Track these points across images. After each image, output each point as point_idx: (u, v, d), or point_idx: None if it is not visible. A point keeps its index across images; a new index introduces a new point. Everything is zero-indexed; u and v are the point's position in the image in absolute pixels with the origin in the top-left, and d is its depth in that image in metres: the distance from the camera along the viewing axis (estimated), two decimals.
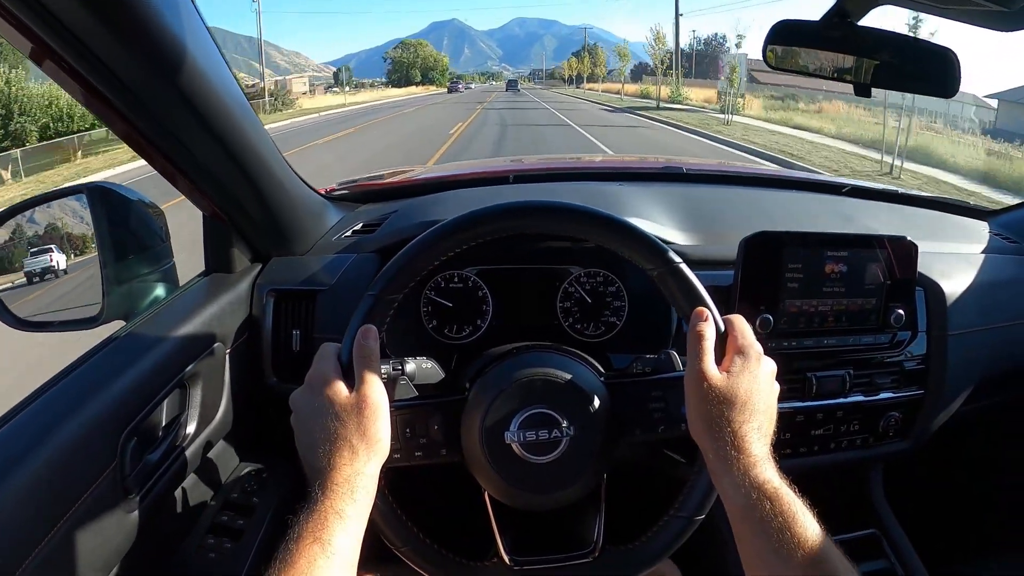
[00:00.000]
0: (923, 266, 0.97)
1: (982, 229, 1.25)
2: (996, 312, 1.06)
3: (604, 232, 0.68)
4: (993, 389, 1.10)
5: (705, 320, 0.64)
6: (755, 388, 0.61)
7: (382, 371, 0.66)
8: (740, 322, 0.65)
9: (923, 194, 1.39)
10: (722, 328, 0.65)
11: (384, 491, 0.64)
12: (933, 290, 1.02)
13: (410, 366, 0.74)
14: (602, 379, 0.73)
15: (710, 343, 0.63)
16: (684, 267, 0.67)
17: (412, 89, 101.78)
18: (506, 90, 69.86)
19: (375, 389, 0.62)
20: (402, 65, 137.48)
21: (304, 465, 0.61)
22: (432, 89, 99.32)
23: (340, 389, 0.61)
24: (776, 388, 0.64)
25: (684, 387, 0.63)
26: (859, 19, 0.91)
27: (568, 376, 0.70)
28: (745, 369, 0.61)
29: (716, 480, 0.60)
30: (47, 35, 0.57)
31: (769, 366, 0.64)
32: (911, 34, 0.94)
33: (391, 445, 0.63)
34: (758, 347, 0.64)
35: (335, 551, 0.52)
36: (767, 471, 0.57)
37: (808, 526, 0.53)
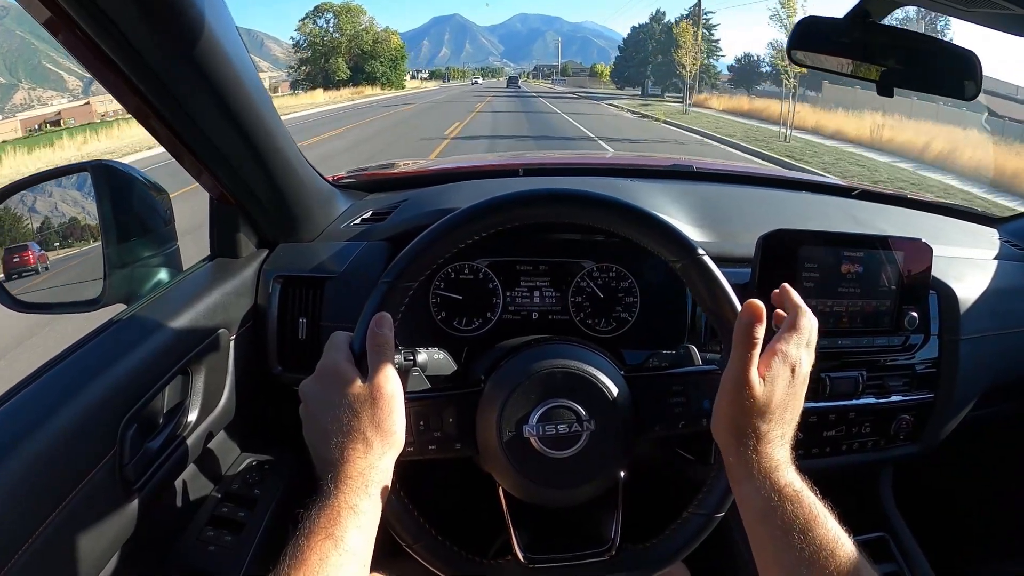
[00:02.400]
0: (936, 270, 0.97)
1: (991, 235, 1.25)
2: (1008, 318, 1.06)
3: (628, 222, 0.67)
4: (1004, 395, 1.10)
5: (760, 322, 0.58)
6: (790, 398, 0.59)
7: (394, 361, 0.64)
8: (802, 321, 0.62)
9: (932, 199, 1.39)
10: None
11: (395, 485, 0.62)
12: (946, 294, 1.02)
13: (422, 357, 0.72)
14: (622, 373, 0.71)
15: (758, 350, 0.59)
16: (708, 259, 0.66)
17: (317, 97, 46.29)
18: (507, 87, 66.78)
19: (390, 380, 0.60)
20: (317, 51, 63.84)
21: (313, 457, 0.59)
22: (361, 95, 46.01)
23: (353, 379, 0.59)
24: (803, 397, 0.62)
25: (720, 384, 0.60)
26: (881, 19, 0.91)
27: (590, 369, 0.68)
28: (782, 376, 0.59)
29: (735, 482, 0.59)
30: (67, 3, 0.55)
31: (802, 377, 0.61)
32: (933, 35, 0.93)
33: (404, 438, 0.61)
34: (798, 356, 0.60)
35: (348, 548, 0.50)
36: (788, 474, 0.56)
37: (831, 528, 0.52)
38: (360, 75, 59.21)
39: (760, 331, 0.59)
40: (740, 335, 0.59)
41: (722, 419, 0.60)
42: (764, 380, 0.59)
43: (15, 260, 0.84)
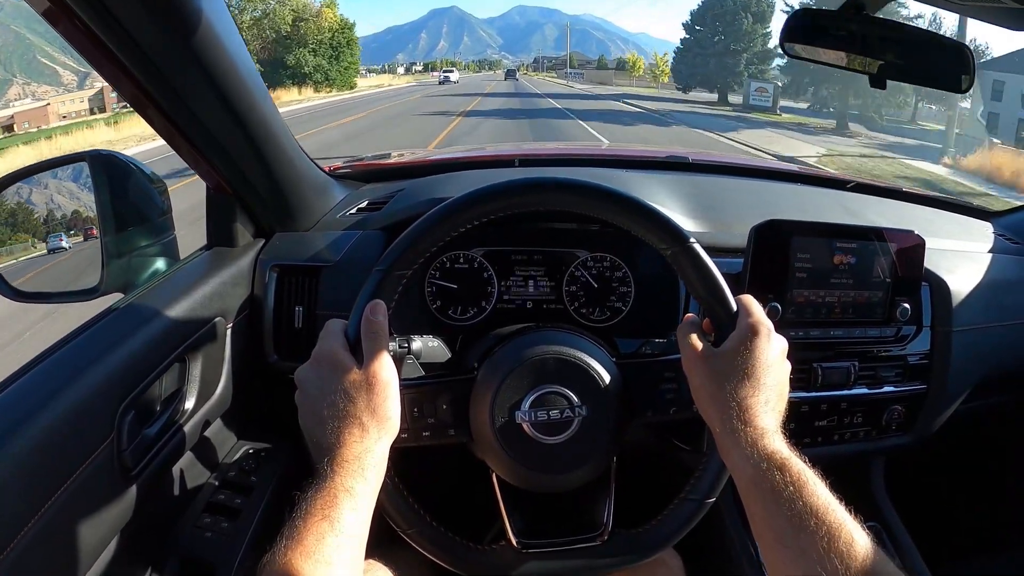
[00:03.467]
0: (929, 262, 0.98)
1: (985, 229, 1.26)
2: (1000, 311, 1.06)
3: (620, 211, 0.67)
4: (996, 388, 1.10)
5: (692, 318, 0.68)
6: (760, 362, 0.60)
7: (388, 348, 0.65)
8: (750, 300, 0.65)
9: (927, 192, 1.39)
10: (734, 308, 0.65)
11: (390, 472, 0.62)
12: (939, 286, 1.02)
13: (416, 344, 0.73)
14: (614, 360, 0.72)
15: (695, 326, 0.66)
16: (698, 247, 0.66)
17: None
18: (504, 79, 66.35)
19: (385, 366, 0.60)
20: None
21: (309, 443, 0.59)
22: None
23: (349, 365, 0.59)
24: (787, 366, 0.64)
25: (684, 362, 0.65)
26: (875, 12, 0.91)
27: (581, 355, 0.69)
28: (750, 344, 0.61)
29: (725, 454, 0.60)
30: None
31: (780, 344, 0.64)
32: (927, 28, 0.93)
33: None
34: (768, 324, 0.63)
35: (344, 530, 0.51)
36: (775, 442, 0.57)
37: (820, 494, 0.52)
38: (282, 72, 36.32)
39: (692, 316, 0.68)
40: (679, 329, 0.67)
41: (699, 392, 0.63)
42: (726, 349, 0.62)
43: (89, 235, 0.95)
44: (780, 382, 0.62)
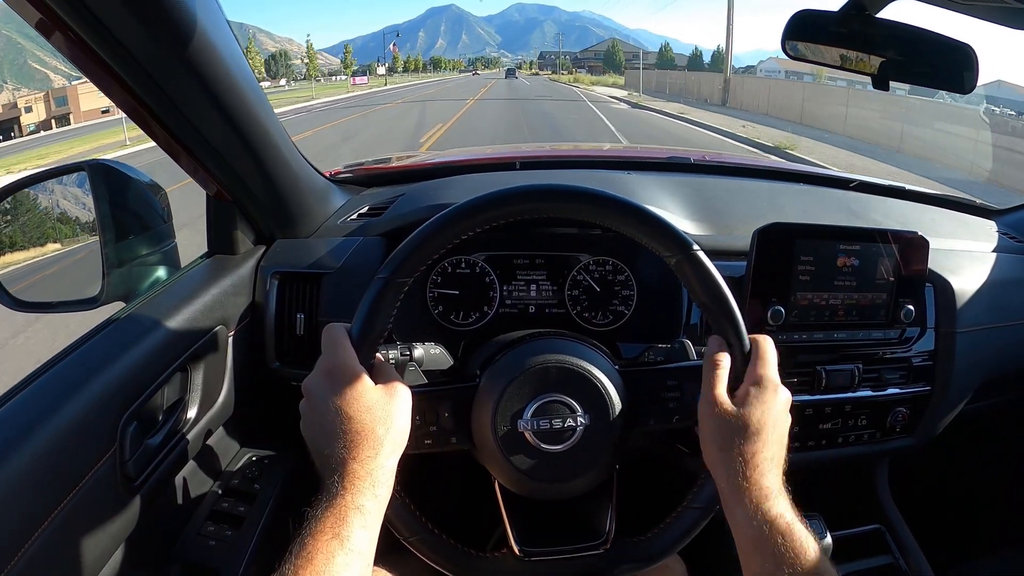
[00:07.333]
0: (932, 263, 0.97)
1: (989, 228, 1.25)
2: (1005, 311, 1.06)
3: (624, 217, 0.66)
4: (1000, 388, 1.10)
5: (723, 350, 0.63)
6: (769, 418, 0.60)
7: (390, 356, 0.64)
8: (765, 346, 0.64)
9: (930, 191, 1.39)
10: (747, 347, 0.64)
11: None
12: (942, 287, 1.02)
13: (418, 351, 0.72)
14: (616, 367, 0.71)
15: (724, 371, 0.62)
16: (702, 254, 0.65)
17: None
18: (505, 78, 67.03)
19: (399, 377, 0.60)
20: None
21: (313, 453, 0.58)
22: None
23: (362, 377, 0.58)
24: (789, 419, 0.63)
25: (699, 411, 0.63)
26: (876, 12, 0.91)
27: (584, 363, 0.68)
28: (760, 399, 0.60)
29: (727, 508, 0.60)
30: (56, 4, 0.55)
31: (784, 396, 0.63)
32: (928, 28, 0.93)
33: None
34: (776, 378, 0.62)
35: (353, 548, 0.51)
36: (780, 504, 0.57)
37: (821, 563, 0.53)
38: None
39: (723, 359, 0.63)
40: (707, 363, 0.63)
41: (708, 445, 0.62)
42: (738, 401, 0.61)
43: None
44: (783, 436, 0.62)
